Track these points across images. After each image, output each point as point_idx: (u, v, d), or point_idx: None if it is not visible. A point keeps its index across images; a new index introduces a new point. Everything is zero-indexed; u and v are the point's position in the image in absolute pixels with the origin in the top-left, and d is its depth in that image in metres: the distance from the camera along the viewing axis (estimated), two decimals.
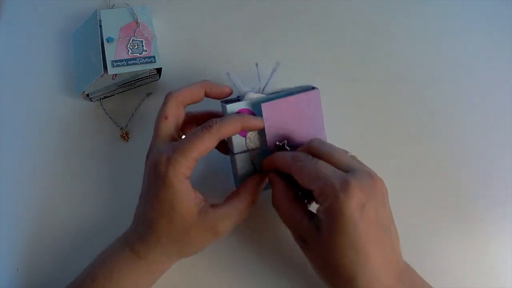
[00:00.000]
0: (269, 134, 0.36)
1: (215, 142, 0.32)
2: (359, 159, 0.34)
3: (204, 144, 0.32)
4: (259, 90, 0.38)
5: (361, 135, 0.44)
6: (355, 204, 0.28)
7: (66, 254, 0.40)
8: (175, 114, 0.35)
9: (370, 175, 0.30)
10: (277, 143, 0.36)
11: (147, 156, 0.34)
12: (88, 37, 0.44)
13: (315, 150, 0.33)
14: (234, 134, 0.35)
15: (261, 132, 0.37)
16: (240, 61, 0.47)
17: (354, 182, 0.28)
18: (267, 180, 0.36)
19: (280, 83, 0.38)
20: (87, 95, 0.44)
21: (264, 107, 0.36)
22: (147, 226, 0.33)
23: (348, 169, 0.30)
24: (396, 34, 0.48)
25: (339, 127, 0.43)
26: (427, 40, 0.48)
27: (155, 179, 0.32)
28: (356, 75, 0.46)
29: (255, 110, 0.37)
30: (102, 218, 0.41)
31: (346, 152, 0.34)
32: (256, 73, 0.39)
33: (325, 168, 0.30)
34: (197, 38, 0.48)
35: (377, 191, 0.30)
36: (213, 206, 0.33)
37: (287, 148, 0.36)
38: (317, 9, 0.49)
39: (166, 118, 0.34)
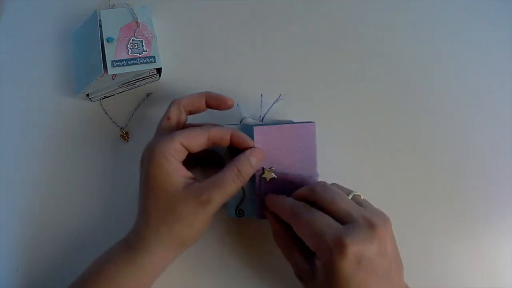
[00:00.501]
0: None
1: (203, 138, 0.34)
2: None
3: (192, 134, 0.34)
4: (259, 118, 0.40)
5: (364, 139, 0.44)
6: (350, 261, 0.28)
7: (66, 254, 0.40)
8: (177, 116, 0.36)
9: (369, 226, 0.30)
10: (263, 168, 0.36)
11: None
12: (88, 37, 0.44)
13: (317, 196, 0.32)
14: (224, 140, 0.35)
15: None
16: (241, 60, 0.47)
17: (349, 240, 0.28)
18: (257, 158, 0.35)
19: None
20: (87, 95, 0.44)
21: (256, 130, 0.37)
22: (140, 216, 0.34)
23: (348, 219, 0.30)
24: (398, 42, 0.48)
25: (342, 132, 0.44)
26: (430, 46, 0.48)
27: (144, 161, 0.34)
28: (358, 81, 0.46)
29: (250, 136, 0.37)
30: (102, 218, 0.41)
31: (350, 192, 0.34)
32: (259, 102, 0.40)
33: (321, 223, 0.30)
34: (197, 38, 0.48)
35: (377, 241, 0.29)
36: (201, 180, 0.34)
37: (274, 176, 0.36)
38: (317, 11, 0.49)
39: (168, 118, 0.36)
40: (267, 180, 0.37)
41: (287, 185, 0.37)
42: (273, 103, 0.40)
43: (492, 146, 0.44)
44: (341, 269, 0.28)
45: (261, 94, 0.41)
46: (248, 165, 0.34)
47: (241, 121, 0.39)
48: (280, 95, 0.40)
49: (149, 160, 0.33)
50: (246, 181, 0.34)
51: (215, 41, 0.48)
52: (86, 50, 0.44)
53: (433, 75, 0.46)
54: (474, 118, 0.45)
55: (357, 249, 0.28)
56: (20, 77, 0.46)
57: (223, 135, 0.35)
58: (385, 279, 0.30)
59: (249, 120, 0.39)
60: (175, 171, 0.33)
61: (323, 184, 0.34)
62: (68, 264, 0.40)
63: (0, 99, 0.46)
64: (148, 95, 0.46)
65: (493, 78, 0.46)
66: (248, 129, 0.37)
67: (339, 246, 0.28)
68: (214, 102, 0.38)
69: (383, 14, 0.49)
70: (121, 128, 0.44)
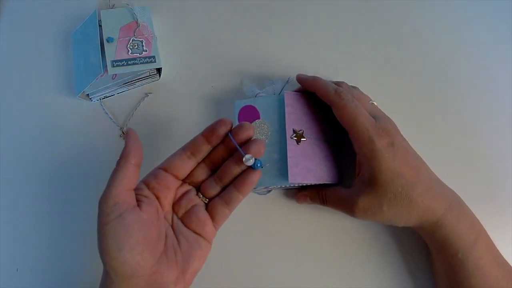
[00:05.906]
0: (289, 120, 0.38)
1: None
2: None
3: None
4: (273, 94, 0.41)
5: None
6: (386, 145, 0.34)
7: (66, 254, 0.40)
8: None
9: (388, 121, 0.37)
10: (294, 130, 0.37)
11: None
12: (88, 37, 0.44)
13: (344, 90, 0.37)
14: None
15: (267, 125, 0.39)
16: (241, 60, 0.47)
17: (382, 130, 0.35)
18: None
19: None
20: (87, 95, 0.44)
21: (286, 94, 0.38)
22: None
23: (373, 115, 0.36)
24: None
25: None
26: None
27: None
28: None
29: (261, 109, 0.39)
30: None
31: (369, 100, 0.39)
32: (272, 88, 0.42)
33: (362, 115, 0.35)
34: (197, 38, 0.48)
35: (397, 131, 0.37)
36: None
37: (304, 138, 0.37)
38: (321, 10, 0.49)
39: None
40: (298, 142, 0.37)
41: (314, 150, 0.38)
42: (286, 82, 0.42)
43: (493, 145, 0.44)
44: (383, 152, 0.34)
45: (272, 81, 0.43)
46: None
47: (256, 95, 0.41)
48: (289, 77, 0.42)
49: None
50: None
51: (215, 41, 0.48)
52: (86, 50, 0.44)
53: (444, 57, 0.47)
54: (477, 117, 0.45)
55: (390, 135, 0.35)
56: (20, 77, 0.46)
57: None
58: (415, 157, 0.36)
59: (263, 94, 0.41)
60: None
61: (346, 84, 0.39)
62: (68, 265, 0.40)
63: (0, 99, 0.46)
64: (147, 95, 0.46)
65: None
66: (270, 99, 0.39)
67: (378, 134, 0.34)
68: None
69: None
70: (121, 128, 0.44)
